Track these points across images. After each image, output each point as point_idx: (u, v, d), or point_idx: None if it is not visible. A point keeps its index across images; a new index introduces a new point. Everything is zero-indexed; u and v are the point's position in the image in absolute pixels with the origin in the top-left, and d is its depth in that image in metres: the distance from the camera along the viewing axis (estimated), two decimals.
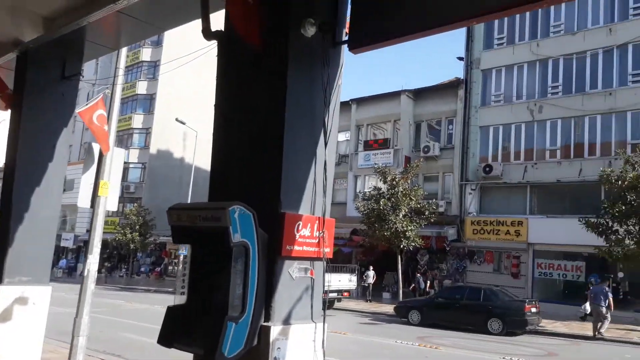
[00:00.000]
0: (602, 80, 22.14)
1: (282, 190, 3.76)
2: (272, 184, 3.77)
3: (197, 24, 4.63)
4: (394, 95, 28.37)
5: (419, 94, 28.20)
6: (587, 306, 17.07)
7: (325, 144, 4.13)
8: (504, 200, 24.30)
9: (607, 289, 16.07)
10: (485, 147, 25.19)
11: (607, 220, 16.72)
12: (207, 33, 4.30)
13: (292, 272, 3.89)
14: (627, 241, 16.14)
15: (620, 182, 16.52)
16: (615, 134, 21.61)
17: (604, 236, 16.77)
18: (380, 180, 23.48)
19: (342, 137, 31.13)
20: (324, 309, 4.17)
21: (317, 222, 4.02)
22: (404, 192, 22.01)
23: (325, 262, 4.19)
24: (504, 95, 25.02)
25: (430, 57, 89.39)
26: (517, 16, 24.22)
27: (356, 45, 4.05)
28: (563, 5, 22.43)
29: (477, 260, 24.30)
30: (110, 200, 7.38)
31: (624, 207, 16.10)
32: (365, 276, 23.99)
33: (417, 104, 28.15)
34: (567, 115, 22.72)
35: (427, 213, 22.19)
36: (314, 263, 4.07)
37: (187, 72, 35.25)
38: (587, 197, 20.80)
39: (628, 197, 16.16)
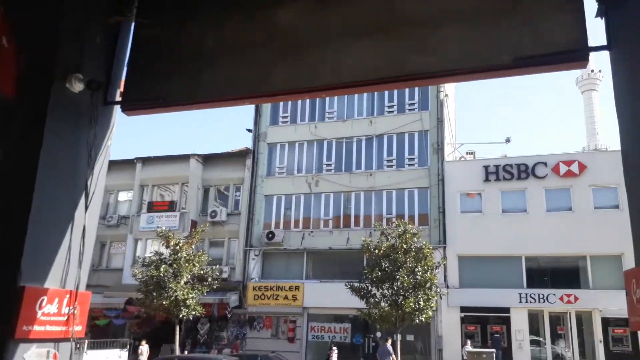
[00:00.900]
0: (365, 162, 25.89)
1: (25, 259, 3.25)
2: (11, 252, 3.23)
3: None
4: (184, 157, 28.05)
5: (209, 159, 28.48)
6: None
7: (86, 208, 3.78)
8: (284, 266, 25.59)
9: (389, 347, 17.95)
10: (269, 214, 26.49)
11: (367, 284, 18.87)
12: None
13: (28, 357, 3.31)
14: (382, 304, 18.40)
15: (377, 250, 19.03)
16: (375, 208, 25.15)
17: (365, 299, 18.84)
18: (163, 244, 22.33)
19: (124, 196, 29.10)
20: None
21: (67, 296, 3.56)
22: (187, 257, 21.30)
23: (74, 343, 3.69)
24: (287, 168, 27.12)
25: (224, 125, 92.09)
26: (299, 101, 27.10)
27: (129, 107, 3.92)
28: (336, 97, 25.97)
29: (256, 327, 24.59)
30: None
31: (380, 273, 18.46)
32: (140, 352, 21.89)
33: (206, 169, 28.29)
34: (338, 190, 25.67)
35: (210, 279, 21.77)
36: (60, 345, 3.55)
37: None
38: (353, 264, 23.24)
39: (383, 264, 18.66)
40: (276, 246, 25.39)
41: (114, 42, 4.09)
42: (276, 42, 3.63)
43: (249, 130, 28.52)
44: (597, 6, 3.18)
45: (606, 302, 19.89)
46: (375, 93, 25.80)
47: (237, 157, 28.70)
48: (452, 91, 30.25)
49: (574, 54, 3.09)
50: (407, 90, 25.78)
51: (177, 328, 21.56)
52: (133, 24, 4.09)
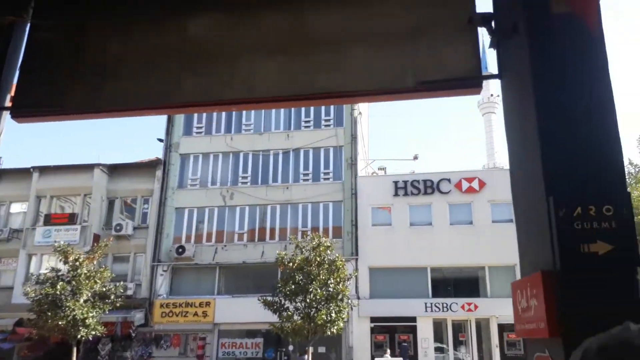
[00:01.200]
0: (281, 175, 25.96)
1: None
2: None
3: None
4: (87, 167, 26.31)
5: (115, 169, 26.97)
6: None
7: None
8: (194, 282, 24.76)
9: (305, 358, 17.86)
10: (179, 228, 25.57)
11: (280, 298, 18.83)
12: None
13: None
14: (295, 317, 18.42)
15: (291, 263, 19.08)
16: (290, 221, 25.23)
17: (277, 313, 18.74)
18: (61, 260, 20.70)
19: (17, 208, 26.68)
20: None
21: None
22: (88, 274, 19.92)
23: None
24: (200, 180, 26.41)
25: (133, 134, 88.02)
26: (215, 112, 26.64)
27: (21, 114, 3.60)
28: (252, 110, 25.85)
29: (163, 345, 23.50)
30: None
31: (293, 286, 18.52)
32: None
33: (112, 179, 26.75)
34: (254, 203, 25.44)
35: (113, 297, 20.50)
36: None
37: None
38: (267, 278, 23.05)
39: (297, 277, 18.73)
40: (186, 261, 24.53)
41: (5, 43, 3.75)
42: (186, 52, 3.55)
43: (160, 140, 27.47)
44: (490, 38, 3.45)
45: (502, 309, 21.42)
46: (292, 108, 26.06)
47: (146, 168, 27.44)
48: (365, 109, 31.36)
49: (469, 81, 3.32)
50: (323, 106, 26.33)
51: (75, 350, 20.04)
52: (29, 25, 3.79)
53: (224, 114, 26.79)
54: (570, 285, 2.32)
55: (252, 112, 26.62)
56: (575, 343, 2.13)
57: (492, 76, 3.40)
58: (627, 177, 26.72)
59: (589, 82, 2.62)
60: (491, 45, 3.45)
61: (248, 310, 21.83)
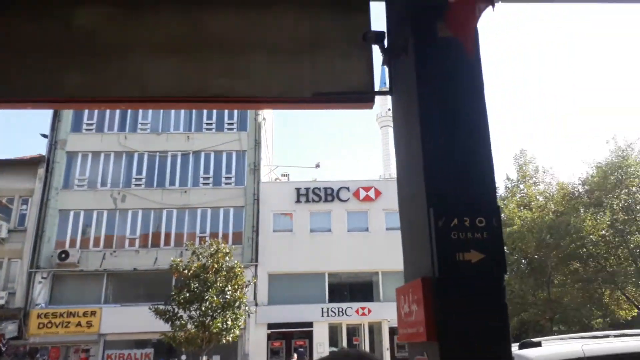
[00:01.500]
0: (180, 178, 25.00)
1: None
2: None
3: None
4: None
5: None
6: None
7: None
8: (79, 290, 22.93)
9: None
10: (63, 232, 23.55)
11: (173, 307, 18.05)
12: None
13: None
14: (189, 326, 17.76)
15: (187, 271, 18.40)
16: (188, 227, 24.36)
17: (170, 322, 17.94)
18: None
19: None
20: None
21: None
22: None
23: None
24: (89, 181, 24.57)
25: (12, 128, 79.71)
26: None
27: None
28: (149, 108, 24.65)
29: (39, 359, 21.41)
30: None
31: (188, 294, 17.86)
32: None
33: None
34: (148, 207, 24.19)
35: None
36: None
37: None
38: (161, 285, 22.02)
39: (192, 284, 18.10)
40: (70, 267, 22.63)
41: None
42: (69, 44, 3.27)
43: (44, 136, 25.15)
44: (382, 56, 3.60)
45: (393, 313, 22.28)
46: (187, 109, 25.26)
47: (26, 165, 24.94)
48: (270, 116, 31.35)
49: (363, 96, 3.44)
50: (226, 110, 25.85)
51: None
52: None
53: (117, 111, 25.23)
54: (447, 291, 2.47)
55: (150, 111, 25.40)
56: (449, 346, 2.28)
57: (383, 92, 3.55)
58: (504, 190, 29.56)
59: (467, 103, 2.84)
60: (384, 63, 3.60)
61: (138, 320, 20.67)
